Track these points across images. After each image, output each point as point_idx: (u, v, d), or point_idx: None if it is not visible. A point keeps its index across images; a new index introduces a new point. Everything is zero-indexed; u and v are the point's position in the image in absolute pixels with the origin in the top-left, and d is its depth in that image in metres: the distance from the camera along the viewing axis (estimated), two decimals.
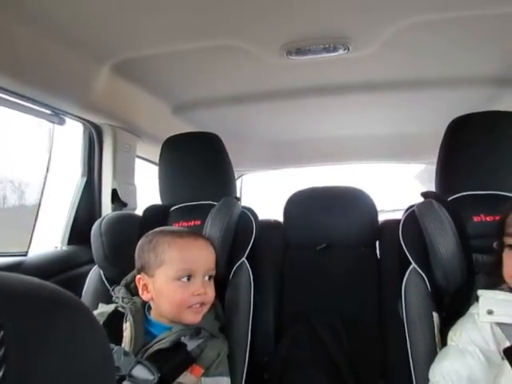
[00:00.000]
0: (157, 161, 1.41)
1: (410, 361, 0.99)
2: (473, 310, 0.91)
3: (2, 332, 0.32)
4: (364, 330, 1.42)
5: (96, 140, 1.57)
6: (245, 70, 1.43)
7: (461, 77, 1.48)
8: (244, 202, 1.37)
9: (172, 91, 1.60)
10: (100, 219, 1.25)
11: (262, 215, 1.42)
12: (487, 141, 1.12)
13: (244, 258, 1.19)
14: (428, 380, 0.91)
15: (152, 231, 1.07)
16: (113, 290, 1.10)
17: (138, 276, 1.04)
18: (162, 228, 1.09)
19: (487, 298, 0.88)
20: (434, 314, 1.01)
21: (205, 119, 1.84)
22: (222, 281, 1.14)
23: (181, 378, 0.94)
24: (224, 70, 1.43)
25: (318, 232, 1.65)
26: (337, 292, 1.51)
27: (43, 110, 1.31)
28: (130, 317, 1.00)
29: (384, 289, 1.40)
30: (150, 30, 1.13)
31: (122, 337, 0.98)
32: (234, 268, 1.18)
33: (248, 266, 1.19)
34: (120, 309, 1.04)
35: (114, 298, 1.08)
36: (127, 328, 0.99)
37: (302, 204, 1.72)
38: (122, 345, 0.96)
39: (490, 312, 0.85)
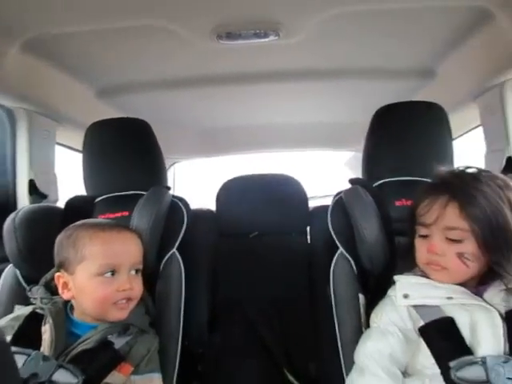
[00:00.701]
0: (80, 148, 1.31)
1: (338, 341, 1.02)
2: (391, 292, 0.96)
3: None
4: (296, 314, 1.45)
5: (8, 125, 1.43)
6: (174, 53, 1.37)
7: (386, 67, 1.54)
8: (177, 192, 1.33)
9: (95, 73, 1.50)
10: (15, 212, 1.13)
11: (197, 204, 1.39)
12: (407, 130, 1.18)
13: (175, 249, 1.16)
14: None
15: (72, 225, 1.00)
16: (30, 290, 1.01)
17: (58, 274, 0.97)
18: (82, 221, 1.02)
19: (402, 283, 0.94)
20: (360, 296, 1.05)
21: (133, 105, 1.76)
22: (151, 273, 1.10)
23: (108, 378, 0.90)
24: (153, 52, 1.37)
25: (250, 220, 1.66)
26: (270, 278, 1.53)
27: None
28: (49, 318, 0.93)
29: (314, 273, 1.44)
30: (66, 3, 1.03)
31: (41, 340, 0.91)
32: (165, 260, 1.15)
33: (179, 257, 1.16)
34: (38, 310, 0.97)
35: (31, 299, 1.00)
36: (46, 331, 0.92)
37: (234, 192, 1.71)
38: (42, 349, 0.90)
39: (405, 296, 0.91)
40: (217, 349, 1.25)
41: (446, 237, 0.87)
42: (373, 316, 0.97)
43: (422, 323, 0.88)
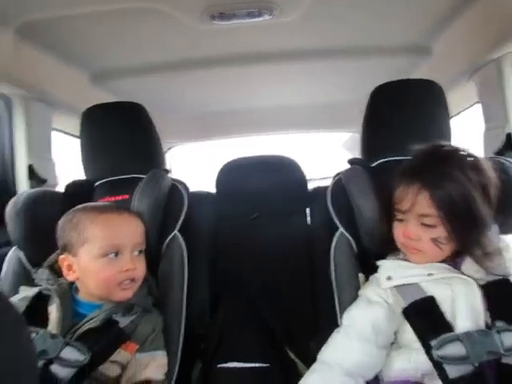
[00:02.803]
0: (77, 133, 1.31)
1: (338, 320, 1.04)
2: (377, 274, 0.99)
3: None
4: (296, 294, 1.47)
5: (5, 112, 1.43)
6: (168, 35, 1.36)
7: (382, 46, 1.54)
8: (174, 176, 1.33)
9: (89, 57, 1.49)
10: (16, 197, 1.15)
11: (194, 188, 1.40)
12: (403, 108, 1.17)
13: (176, 231, 1.17)
14: None
15: (73, 209, 1.02)
16: (36, 272, 1.03)
17: (62, 256, 0.98)
18: (83, 205, 1.04)
19: (385, 267, 0.98)
20: (360, 275, 1.07)
21: (127, 89, 1.74)
22: (154, 255, 1.11)
23: (114, 356, 0.92)
24: (146, 35, 1.36)
25: (250, 201, 1.67)
26: (270, 259, 1.54)
27: None
28: (55, 299, 0.95)
29: (314, 253, 1.45)
30: None
31: (48, 320, 0.93)
32: (167, 241, 1.16)
33: (181, 238, 1.17)
34: (45, 291, 0.98)
35: (36, 281, 1.01)
36: (53, 310, 0.94)
37: (234, 174, 1.72)
38: (49, 328, 0.92)
39: (388, 278, 0.95)
40: (218, 328, 1.27)
41: (420, 222, 0.90)
42: (362, 289, 1.02)
43: (404, 305, 0.91)
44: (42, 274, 1.01)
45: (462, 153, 0.92)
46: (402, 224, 0.94)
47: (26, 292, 1.00)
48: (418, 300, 0.90)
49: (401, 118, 1.17)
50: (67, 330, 0.92)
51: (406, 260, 0.97)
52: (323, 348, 0.96)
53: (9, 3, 1.06)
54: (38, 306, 0.95)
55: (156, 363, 0.96)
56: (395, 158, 1.16)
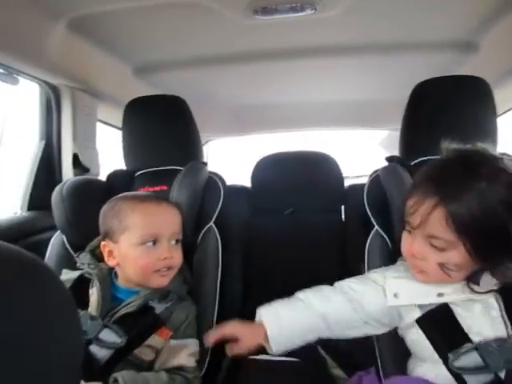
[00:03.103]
0: (119, 125, 1.36)
1: None
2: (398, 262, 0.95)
3: None
4: None
5: (54, 102, 1.49)
6: (210, 30, 1.38)
7: (426, 41, 1.49)
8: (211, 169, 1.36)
9: (133, 51, 1.53)
10: (61, 184, 1.20)
11: (230, 182, 1.41)
12: (448, 105, 1.13)
13: (212, 223, 1.20)
14: (387, 336, 0.96)
15: (114, 197, 1.06)
16: (78, 256, 1.08)
17: (103, 243, 1.02)
18: (124, 194, 1.08)
19: (392, 282, 0.89)
20: None
21: (168, 82, 1.78)
22: (190, 245, 1.14)
23: (149, 341, 0.95)
24: (189, 29, 1.38)
25: (285, 197, 1.67)
26: (302, 254, 1.54)
27: None
28: (96, 282, 0.99)
29: (348, 251, 1.45)
30: None
31: (88, 302, 0.98)
32: (202, 232, 1.19)
33: (216, 230, 1.19)
34: (86, 275, 1.03)
35: (78, 264, 1.06)
36: (94, 293, 0.98)
37: (270, 169, 1.73)
38: (89, 310, 0.96)
39: (395, 295, 0.87)
40: (249, 319, 1.29)
41: (429, 242, 0.79)
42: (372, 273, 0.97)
43: (419, 314, 0.85)
44: (83, 258, 1.05)
45: (496, 163, 0.76)
46: (410, 237, 0.83)
47: (69, 275, 1.05)
48: (434, 308, 0.83)
49: (444, 115, 1.13)
50: (105, 313, 0.96)
51: None
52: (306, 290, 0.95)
53: None
54: (80, 288, 1.00)
55: (188, 351, 0.98)
56: (433, 157, 1.13)
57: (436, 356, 0.82)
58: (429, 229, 0.77)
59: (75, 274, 1.05)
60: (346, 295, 0.91)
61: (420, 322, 0.85)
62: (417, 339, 0.86)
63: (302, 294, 0.94)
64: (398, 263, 0.96)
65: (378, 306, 0.89)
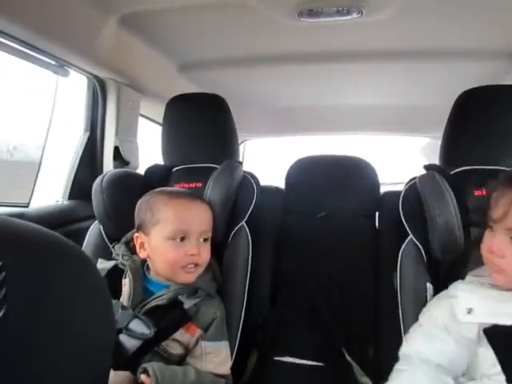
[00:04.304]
0: (159, 120, 1.39)
1: (402, 330, 1.01)
2: (451, 290, 0.89)
3: (4, 273, 0.33)
4: (358, 298, 1.44)
5: (100, 95, 1.54)
6: (255, 30, 1.38)
7: (475, 48, 1.44)
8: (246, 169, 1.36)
9: (179, 49, 1.56)
10: (102, 175, 1.25)
11: (264, 182, 1.42)
12: (494, 115, 1.10)
13: (243, 222, 1.20)
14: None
15: (151, 191, 1.08)
16: (113, 246, 1.11)
17: (136, 234, 1.05)
18: (161, 188, 1.10)
19: (465, 296, 0.85)
20: (428, 285, 1.02)
21: (210, 80, 1.81)
22: (221, 243, 1.15)
23: (176, 335, 0.97)
24: (233, 29, 1.39)
25: (319, 200, 1.65)
26: (334, 259, 1.52)
27: (47, 60, 1.28)
28: (129, 273, 1.02)
29: (381, 259, 1.41)
30: None
31: (120, 292, 1.01)
32: (234, 231, 1.19)
33: (247, 229, 1.20)
34: (120, 265, 1.06)
35: (114, 255, 1.09)
36: (126, 284, 1.01)
37: (304, 171, 1.71)
38: (121, 299, 0.99)
39: (469, 311, 0.81)
40: (276, 321, 1.29)
41: (510, 237, 0.78)
42: (429, 306, 0.93)
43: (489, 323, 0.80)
44: (118, 250, 1.09)
45: None
46: (491, 234, 0.82)
47: (104, 264, 1.09)
48: (509, 324, 0.78)
49: (489, 126, 1.10)
50: (136, 304, 0.99)
51: (493, 285, 0.84)
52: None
53: None
54: (113, 278, 1.03)
55: (220, 358, 0.99)
56: (479, 167, 1.09)
57: (499, 377, 0.76)
58: (510, 222, 0.77)
59: (110, 263, 1.08)
60: (426, 365, 0.86)
61: (489, 333, 0.80)
62: (477, 351, 0.81)
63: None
64: (468, 278, 0.91)
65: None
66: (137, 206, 1.07)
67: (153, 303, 0.98)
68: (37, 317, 0.35)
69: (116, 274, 1.04)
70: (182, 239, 0.99)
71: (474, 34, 1.35)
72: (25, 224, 0.39)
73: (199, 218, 1.04)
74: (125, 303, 0.97)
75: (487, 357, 0.79)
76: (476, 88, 1.14)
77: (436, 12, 1.22)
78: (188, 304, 1.00)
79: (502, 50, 1.44)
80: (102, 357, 0.43)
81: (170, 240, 0.99)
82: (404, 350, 0.91)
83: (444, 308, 0.88)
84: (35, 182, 1.37)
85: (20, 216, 1.25)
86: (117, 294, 1.00)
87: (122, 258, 1.06)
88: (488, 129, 1.10)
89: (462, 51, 1.47)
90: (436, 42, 1.44)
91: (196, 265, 1.01)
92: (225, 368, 1.00)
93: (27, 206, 1.34)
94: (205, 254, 1.03)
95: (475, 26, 1.30)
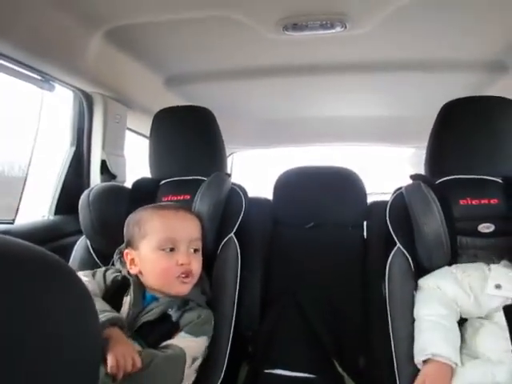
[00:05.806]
0: (146, 133, 1.39)
1: (391, 338, 1.01)
2: (453, 269, 0.97)
3: None
4: (348, 307, 1.44)
5: (86, 109, 1.54)
6: (240, 44, 1.40)
7: (457, 60, 1.48)
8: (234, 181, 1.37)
9: (165, 63, 1.57)
10: (88, 190, 1.24)
11: (252, 194, 1.42)
12: (476, 125, 1.12)
13: (232, 234, 1.20)
14: (407, 356, 0.95)
15: (138, 209, 1.08)
16: (118, 258, 1.09)
17: (126, 251, 1.04)
18: (147, 205, 1.10)
19: (496, 273, 0.92)
20: (416, 293, 1.03)
21: (197, 93, 1.82)
22: (210, 256, 1.15)
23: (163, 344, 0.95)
24: (219, 43, 1.41)
25: (307, 210, 1.66)
26: (323, 270, 1.53)
27: (33, 75, 1.27)
28: (131, 291, 1.00)
29: (369, 268, 1.42)
30: None
31: (121, 307, 0.99)
32: (222, 243, 1.19)
33: (236, 241, 1.19)
34: (126, 275, 1.04)
35: (117, 267, 1.08)
36: (126, 303, 0.99)
37: (292, 182, 1.72)
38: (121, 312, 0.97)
39: (497, 286, 0.89)
40: (267, 333, 1.28)
41: None
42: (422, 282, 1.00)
43: (510, 301, 0.86)
44: (116, 262, 1.08)
45: None
46: None
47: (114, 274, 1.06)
48: None
49: (472, 135, 1.12)
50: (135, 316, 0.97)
51: None
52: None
53: (100, 8, 1.15)
54: (117, 294, 1.02)
55: (187, 342, 0.95)
56: (464, 176, 1.11)
57: (503, 352, 0.80)
58: None
59: (101, 269, 1.07)
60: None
61: (508, 309, 0.85)
62: (491, 329, 0.86)
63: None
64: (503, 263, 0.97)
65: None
66: (125, 224, 1.07)
67: (142, 319, 0.96)
68: (23, 331, 0.35)
69: (121, 289, 1.02)
70: (172, 250, 0.99)
71: (455, 45, 1.39)
72: (9, 239, 0.39)
73: (186, 227, 1.04)
74: (124, 315, 0.96)
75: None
76: (458, 99, 1.17)
77: (417, 25, 1.25)
78: (176, 316, 0.98)
79: (479, 61, 1.48)
80: (90, 370, 0.43)
81: (160, 250, 0.99)
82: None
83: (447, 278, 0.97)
84: (20, 198, 1.35)
85: (5, 233, 1.23)
86: (117, 309, 0.98)
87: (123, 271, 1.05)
88: (471, 139, 1.12)
89: (444, 63, 1.51)
90: (418, 54, 1.47)
91: (188, 275, 0.99)
92: (185, 349, 0.93)
93: (13, 223, 1.32)
94: (196, 264, 1.02)
95: (455, 38, 1.33)
